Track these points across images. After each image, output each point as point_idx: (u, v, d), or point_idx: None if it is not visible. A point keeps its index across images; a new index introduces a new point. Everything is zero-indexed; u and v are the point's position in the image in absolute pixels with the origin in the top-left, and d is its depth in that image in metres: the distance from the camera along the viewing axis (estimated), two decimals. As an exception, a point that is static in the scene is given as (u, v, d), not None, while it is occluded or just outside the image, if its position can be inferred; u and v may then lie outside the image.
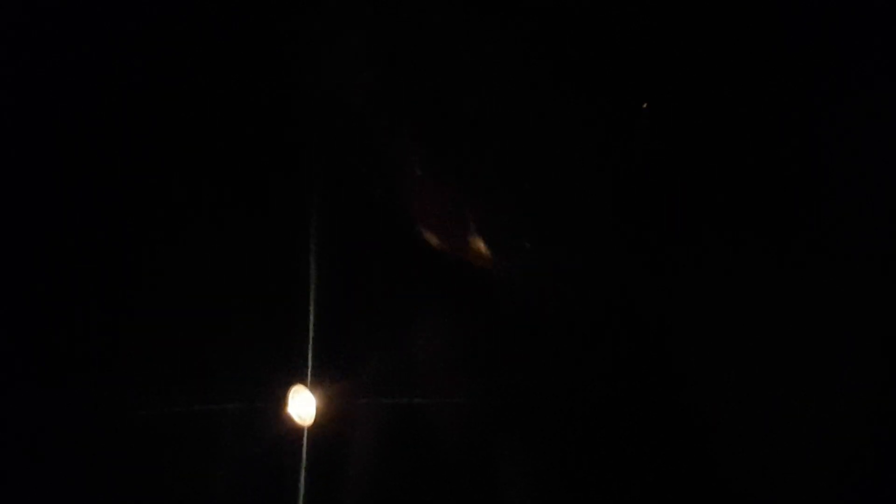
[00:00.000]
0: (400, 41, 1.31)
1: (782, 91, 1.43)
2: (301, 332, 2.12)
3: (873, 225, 1.40)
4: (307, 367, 2.17)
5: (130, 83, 1.58)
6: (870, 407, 1.44)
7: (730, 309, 1.56)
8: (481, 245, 1.36)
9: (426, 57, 1.28)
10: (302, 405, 2.20)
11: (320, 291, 2.05)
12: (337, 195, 1.80)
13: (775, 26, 1.42)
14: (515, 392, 1.75)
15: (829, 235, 1.44)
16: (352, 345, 1.96)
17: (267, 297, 1.98)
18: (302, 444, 2.14)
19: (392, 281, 1.91)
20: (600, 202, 1.39)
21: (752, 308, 1.56)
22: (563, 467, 1.66)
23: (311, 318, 2.11)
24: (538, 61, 1.36)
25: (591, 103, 1.32)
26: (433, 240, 1.41)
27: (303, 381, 2.19)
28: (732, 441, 1.51)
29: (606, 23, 1.27)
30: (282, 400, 2.15)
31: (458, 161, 1.29)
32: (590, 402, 1.58)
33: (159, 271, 1.83)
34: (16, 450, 1.75)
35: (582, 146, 1.29)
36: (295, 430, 2.15)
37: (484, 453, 1.74)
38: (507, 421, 1.74)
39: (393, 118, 1.41)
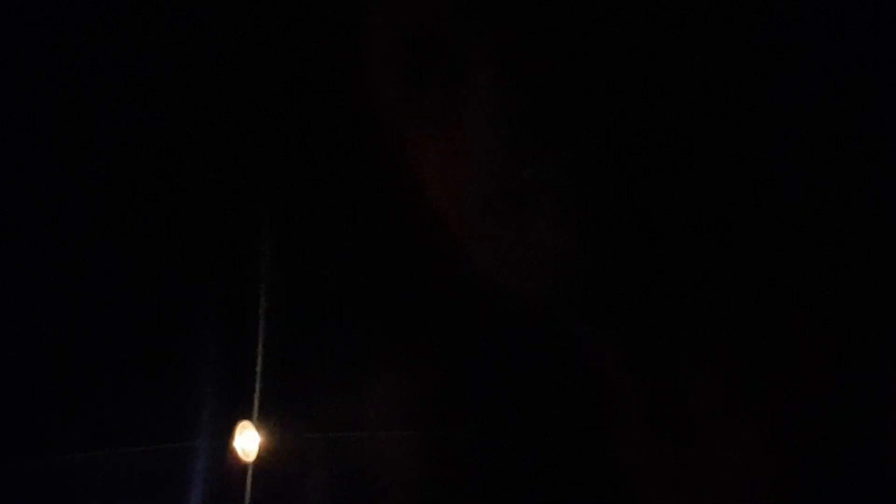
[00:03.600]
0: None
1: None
2: (249, 366, 2.37)
3: None
4: (254, 403, 2.38)
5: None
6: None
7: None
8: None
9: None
10: (247, 442, 2.31)
11: (270, 323, 2.31)
12: (290, 227, 2.08)
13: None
14: (470, 429, 1.94)
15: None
16: (301, 380, 2.12)
17: (215, 330, 2.18)
18: (246, 481, 2.35)
19: (345, 316, 2.03)
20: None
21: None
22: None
23: (260, 351, 2.39)
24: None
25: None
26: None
27: (248, 418, 2.36)
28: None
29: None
30: (227, 437, 2.32)
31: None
32: (548, 448, 1.74)
33: (100, 300, 1.85)
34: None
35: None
36: (239, 467, 2.36)
37: (433, 490, 1.90)
38: (460, 458, 1.92)
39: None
